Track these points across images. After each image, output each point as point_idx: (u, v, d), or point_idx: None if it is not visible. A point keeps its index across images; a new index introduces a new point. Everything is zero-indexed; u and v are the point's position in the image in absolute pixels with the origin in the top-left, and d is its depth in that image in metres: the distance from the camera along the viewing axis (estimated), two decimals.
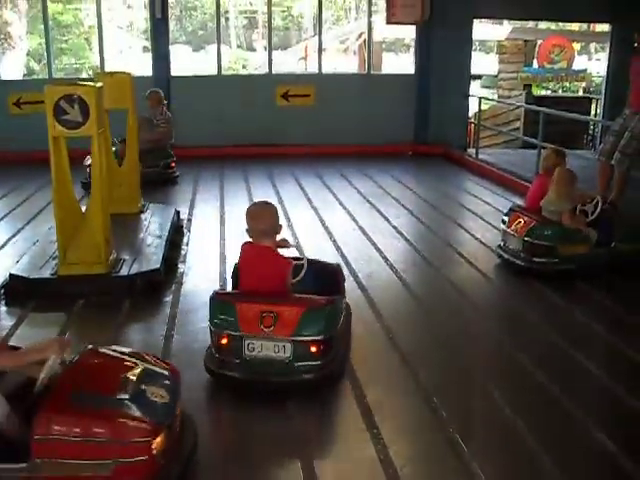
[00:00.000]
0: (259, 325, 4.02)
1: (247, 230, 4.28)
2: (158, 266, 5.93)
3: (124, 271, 5.83)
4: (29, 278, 5.75)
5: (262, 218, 4.22)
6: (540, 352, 4.79)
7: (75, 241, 5.77)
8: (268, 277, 4.19)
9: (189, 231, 7.75)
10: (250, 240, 4.31)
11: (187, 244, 7.24)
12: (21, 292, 5.69)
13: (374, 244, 7.29)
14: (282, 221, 7.74)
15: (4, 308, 5.59)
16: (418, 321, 5.55)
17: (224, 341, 4.13)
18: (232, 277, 4.65)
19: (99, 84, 5.85)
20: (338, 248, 7.16)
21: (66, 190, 5.79)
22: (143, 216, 7.50)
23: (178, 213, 7.84)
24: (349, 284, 5.96)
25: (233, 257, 6.68)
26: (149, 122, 10.11)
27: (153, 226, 7.10)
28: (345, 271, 6.38)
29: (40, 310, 5.55)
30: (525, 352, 4.74)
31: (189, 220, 8.19)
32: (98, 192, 5.74)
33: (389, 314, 5.42)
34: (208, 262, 6.67)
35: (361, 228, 7.94)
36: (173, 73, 12.93)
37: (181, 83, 12.90)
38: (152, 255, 6.20)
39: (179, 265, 6.53)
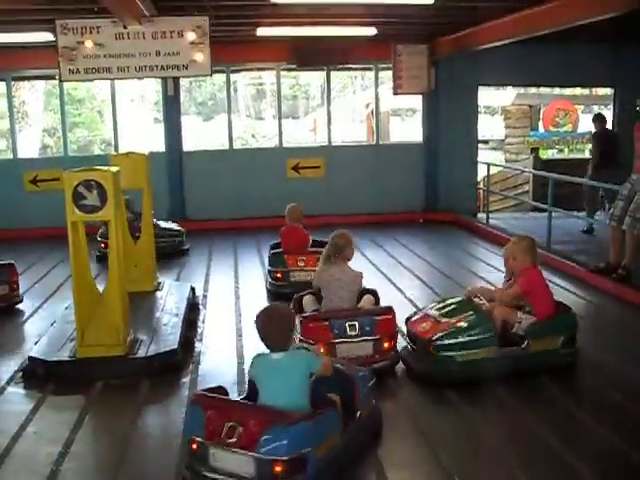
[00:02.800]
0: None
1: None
2: (175, 346, 5.96)
3: (142, 352, 5.86)
4: (48, 361, 5.78)
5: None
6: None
7: (93, 323, 5.81)
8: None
9: (205, 308, 7.80)
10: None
11: (203, 321, 7.28)
12: (40, 375, 5.72)
13: None
14: None
15: (22, 391, 5.62)
16: None
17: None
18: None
19: (116, 168, 5.96)
20: None
21: (84, 273, 5.88)
22: (159, 294, 7.55)
23: (194, 290, 7.90)
24: None
25: (250, 333, 6.78)
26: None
27: (169, 304, 7.15)
28: None
29: (59, 393, 5.58)
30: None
31: (205, 296, 8.25)
32: (116, 274, 5.82)
33: (408, 393, 5.38)
34: (225, 339, 6.70)
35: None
36: (185, 148, 13.19)
37: (193, 157, 13.15)
38: (169, 335, 6.24)
39: (196, 344, 6.56)
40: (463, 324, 5.40)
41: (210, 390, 4.08)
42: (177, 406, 5.22)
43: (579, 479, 4.11)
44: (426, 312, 5.75)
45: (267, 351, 4.02)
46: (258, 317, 4.02)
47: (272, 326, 3.97)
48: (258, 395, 3.98)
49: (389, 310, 5.68)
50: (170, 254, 10.24)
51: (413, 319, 5.79)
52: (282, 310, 4.16)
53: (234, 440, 3.61)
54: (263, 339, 4.01)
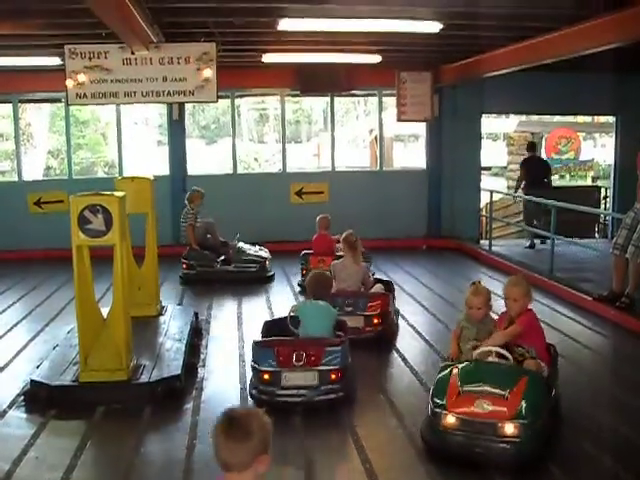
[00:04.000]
0: None
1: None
2: (179, 372, 5.94)
3: (145, 378, 5.84)
4: (50, 385, 5.76)
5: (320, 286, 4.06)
6: None
7: (96, 347, 5.81)
8: None
9: (208, 333, 7.80)
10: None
11: (206, 347, 7.27)
12: (42, 399, 5.70)
13: (393, 344, 7.32)
14: None
15: (24, 415, 5.61)
16: None
17: None
18: None
19: (121, 193, 5.98)
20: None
21: (88, 297, 5.89)
22: (162, 319, 7.55)
23: (197, 315, 7.90)
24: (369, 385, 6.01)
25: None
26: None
27: (172, 329, 7.14)
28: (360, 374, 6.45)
29: (61, 418, 5.56)
30: None
31: (208, 322, 8.25)
32: (120, 299, 5.83)
33: (412, 419, 5.34)
34: (228, 365, 6.70)
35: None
36: (189, 172, 13.24)
37: (198, 182, 13.15)
38: (172, 360, 6.22)
39: (199, 369, 6.55)
40: (529, 391, 4.64)
41: None
42: (180, 433, 5.20)
43: None
44: (462, 389, 4.69)
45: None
46: (310, 277, 6.22)
47: (319, 285, 6.12)
48: (300, 328, 5.92)
49: (381, 296, 7.41)
50: (252, 281, 10.28)
51: (451, 401, 4.65)
52: (326, 276, 6.35)
53: (302, 363, 5.41)
54: (312, 294, 6.10)
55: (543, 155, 19.09)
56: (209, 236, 10.84)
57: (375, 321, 7.18)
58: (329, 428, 5.41)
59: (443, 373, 4.98)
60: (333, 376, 5.47)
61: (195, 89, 9.15)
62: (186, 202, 10.87)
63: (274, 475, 2.78)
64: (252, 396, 5.62)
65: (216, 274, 10.35)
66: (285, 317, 6.20)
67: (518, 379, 4.72)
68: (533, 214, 13.30)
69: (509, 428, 4.43)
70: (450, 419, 4.56)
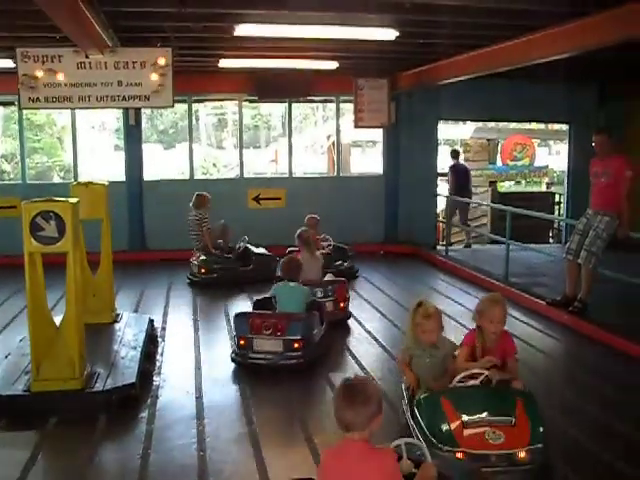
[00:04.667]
0: None
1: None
2: (133, 380, 5.87)
3: (99, 386, 5.76)
4: (1, 394, 5.64)
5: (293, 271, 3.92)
6: None
7: (49, 356, 5.71)
8: None
9: (163, 340, 7.73)
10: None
11: (162, 354, 7.21)
12: None
13: (349, 350, 7.35)
14: None
15: None
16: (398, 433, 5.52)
17: None
18: None
19: (74, 199, 5.90)
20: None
21: (40, 305, 5.78)
22: (117, 326, 7.45)
23: (152, 322, 7.82)
24: (326, 394, 6.02)
25: (208, 367, 6.76)
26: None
27: (127, 337, 7.06)
28: (321, 381, 6.47)
29: (11, 429, 5.46)
30: None
31: (163, 328, 8.18)
32: (73, 306, 5.74)
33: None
34: (183, 373, 6.65)
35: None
36: (146, 177, 13.12)
37: (154, 187, 13.09)
38: (127, 368, 6.14)
39: (154, 377, 6.49)
40: (532, 414, 4.50)
41: None
42: (135, 442, 5.14)
43: None
44: (468, 420, 4.43)
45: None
46: (283, 262, 7.41)
47: (291, 269, 7.23)
48: (277, 305, 7.03)
49: (341, 282, 8.47)
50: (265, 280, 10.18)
51: (461, 438, 4.33)
52: (297, 260, 7.49)
53: (270, 332, 6.52)
54: (285, 276, 7.19)
55: (499, 161, 19.41)
56: (220, 241, 11.04)
57: (342, 305, 8.34)
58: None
59: (429, 404, 4.62)
60: (296, 345, 6.55)
61: (151, 94, 9.06)
62: (192, 208, 10.96)
63: None
64: (233, 359, 6.80)
65: (236, 276, 10.54)
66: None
67: (515, 402, 4.54)
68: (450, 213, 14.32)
69: (527, 455, 4.23)
70: (459, 455, 4.23)
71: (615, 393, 6.22)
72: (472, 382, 4.75)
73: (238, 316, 6.88)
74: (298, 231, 8.99)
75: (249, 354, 6.67)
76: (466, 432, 4.34)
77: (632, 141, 13.71)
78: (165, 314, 8.90)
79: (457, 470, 4.00)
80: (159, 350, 7.35)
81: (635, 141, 13.80)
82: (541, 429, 4.40)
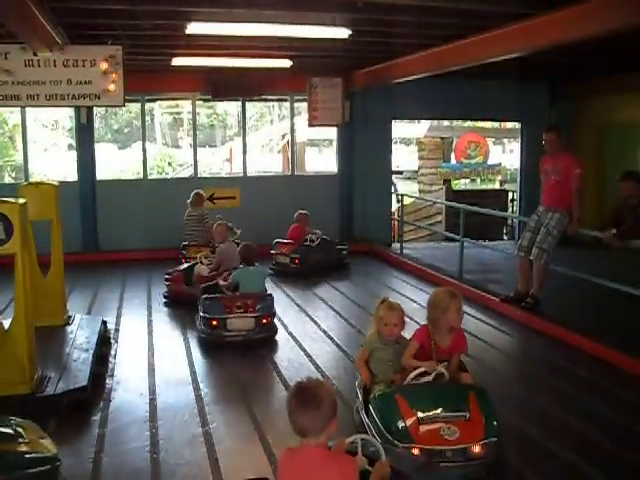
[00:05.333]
0: None
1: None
2: (85, 383, 5.77)
3: (50, 390, 5.64)
4: None
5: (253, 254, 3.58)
6: None
7: None
8: None
9: (117, 342, 7.64)
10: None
11: (115, 356, 7.12)
12: None
13: (304, 350, 7.33)
14: None
15: None
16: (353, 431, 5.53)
17: None
18: None
19: (23, 200, 5.78)
20: (268, 355, 7.23)
21: None
22: (69, 328, 7.31)
23: (105, 323, 7.72)
24: (279, 394, 6.00)
25: (162, 369, 6.70)
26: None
27: (80, 339, 6.93)
28: (275, 380, 6.46)
29: None
30: None
31: (116, 330, 8.08)
32: (22, 309, 5.62)
33: None
34: (137, 375, 6.58)
35: (290, 333, 7.98)
36: (99, 177, 12.95)
37: (107, 187, 12.93)
38: (78, 371, 6.04)
39: (107, 380, 6.41)
40: (484, 407, 4.55)
41: None
42: (86, 445, 5.07)
43: None
44: (423, 416, 4.44)
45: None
46: (241, 249, 7.99)
47: (249, 254, 7.90)
48: (240, 289, 7.63)
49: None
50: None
51: (417, 434, 4.35)
52: (253, 246, 8.07)
53: (242, 311, 7.28)
54: (244, 261, 7.90)
55: (453, 160, 19.61)
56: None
57: (264, 321, 8.21)
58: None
59: (384, 402, 4.60)
60: (264, 320, 7.44)
61: (101, 93, 8.94)
62: (190, 206, 11.17)
63: None
64: (203, 339, 7.45)
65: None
66: (215, 282, 8.01)
67: (468, 397, 4.57)
68: None
69: (482, 449, 4.28)
70: (415, 452, 4.23)
71: (566, 387, 6.32)
72: (425, 379, 4.77)
73: (208, 300, 7.50)
74: (215, 224, 9.51)
75: (223, 333, 7.35)
76: (422, 428, 4.36)
77: (581, 139, 14.01)
78: (119, 316, 8.79)
79: (412, 466, 3.99)
80: (112, 352, 7.26)
81: (584, 139, 14.09)
82: (495, 423, 4.45)
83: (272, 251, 11.43)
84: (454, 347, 4.99)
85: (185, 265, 9.67)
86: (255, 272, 7.89)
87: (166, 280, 9.50)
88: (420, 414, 4.43)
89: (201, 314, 7.51)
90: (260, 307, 7.45)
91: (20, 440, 3.98)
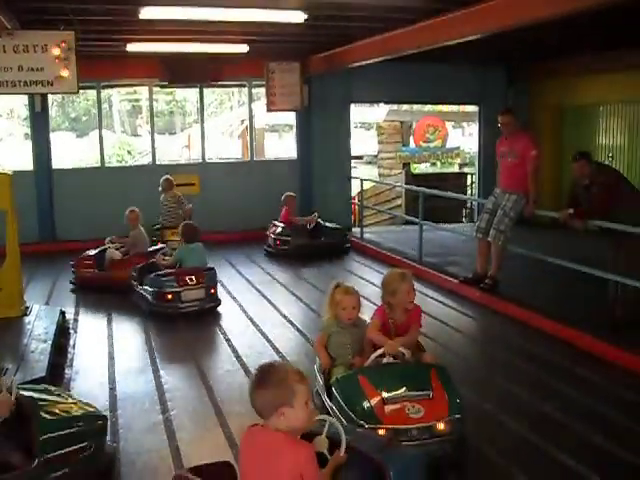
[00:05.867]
0: None
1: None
2: (44, 374, 5.69)
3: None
4: None
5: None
6: None
7: None
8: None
9: (76, 332, 7.56)
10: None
11: (74, 346, 7.05)
12: None
13: (265, 335, 7.33)
14: None
15: None
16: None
17: None
18: None
19: None
20: (228, 341, 7.20)
21: None
22: (27, 319, 7.22)
23: (64, 314, 7.63)
24: (240, 379, 6.00)
25: (122, 358, 6.65)
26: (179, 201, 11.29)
27: (37, 330, 6.85)
28: (236, 365, 6.45)
29: None
30: None
31: (75, 320, 7.99)
32: None
33: None
34: (96, 365, 6.53)
35: (251, 319, 7.99)
36: (55, 165, 12.76)
37: (64, 176, 12.74)
38: (37, 362, 5.96)
39: (66, 370, 6.35)
40: (446, 385, 4.61)
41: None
42: None
43: None
44: (387, 396, 4.45)
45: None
46: (182, 228, 8.65)
47: (190, 232, 8.51)
48: (183, 265, 8.33)
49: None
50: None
51: (383, 414, 4.35)
52: (194, 225, 8.73)
53: (194, 283, 8.02)
54: (186, 240, 8.47)
55: (412, 143, 19.70)
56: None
57: (212, 291, 8.67)
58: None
59: (347, 384, 4.60)
60: (212, 291, 8.26)
61: (54, 79, 8.76)
62: (164, 192, 11.23)
63: None
64: (152, 312, 8.01)
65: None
66: (153, 261, 8.65)
67: (430, 376, 4.62)
68: None
69: (446, 426, 4.31)
70: (380, 432, 4.19)
71: (525, 365, 6.41)
72: (386, 359, 4.81)
73: (160, 275, 8.16)
74: (127, 211, 9.74)
75: (179, 305, 7.97)
76: (387, 408, 4.38)
77: (538, 121, 14.17)
78: (77, 305, 8.70)
79: (374, 446, 3.96)
80: (71, 342, 7.19)
81: (541, 121, 14.26)
82: (458, 400, 4.50)
83: (267, 232, 11.90)
84: (410, 323, 5.08)
85: (94, 251, 9.78)
86: (197, 249, 8.52)
87: (72, 266, 9.69)
88: (384, 394, 4.44)
89: (155, 289, 8.05)
90: (207, 279, 8.21)
91: (70, 401, 4.55)
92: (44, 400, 4.36)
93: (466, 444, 4.51)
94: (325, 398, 4.87)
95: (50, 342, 6.48)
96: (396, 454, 3.52)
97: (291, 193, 12.03)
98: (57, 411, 4.26)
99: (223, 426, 5.11)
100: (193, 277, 8.05)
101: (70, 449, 4.03)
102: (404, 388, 4.49)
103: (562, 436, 4.91)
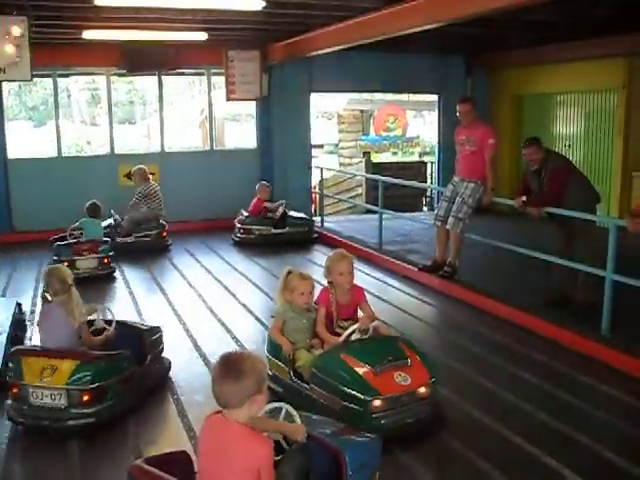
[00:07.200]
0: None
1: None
2: None
3: None
4: None
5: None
6: None
7: None
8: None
9: (32, 324, 7.41)
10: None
11: (30, 339, 6.92)
12: None
13: (223, 324, 7.31)
14: (128, 305, 7.75)
15: None
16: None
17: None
18: None
19: None
20: (187, 330, 7.15)
21: None
22: None
23: (20, 305, 7.49)
24: (199, 369, 5.98)
25: None
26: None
27: None
28: (194, 354, 6.42)
29: None
30: None
31: (32, 312, 7.85)
32: None
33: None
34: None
35: (210, 308, 7.95)
36: (10, 155, 12.52)
37: (20, 166, 12.52)
38: None
39: None
40: (418, 353, 5.01)
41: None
42: (1, 431, 4.93)
43: None
44: (377, 369, 4.68)
45: None
46: (88, 207, 9.83)
47: (93, 210, 9.88)
48: (84, 234, 9.75)
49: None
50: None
51: (379, 384, 4.61)
52: (98, 204, 10.00)
53: (87, 252, 9.33)
54: (89, 215, 9.73)
55: (372, 132, 19.75)
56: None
57: (105, 261, 9.61)
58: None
59: (332, 363, 4.79)
60: (105, 260, 9.41)
61: (6, 66, 8.60)
62: (147, 181, 11.32)
63: None
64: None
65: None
66: (65, 235, 9.80)
67: (399, 345, 5.01)
68: None
69: (427, 390, 4.74)
70: (377, 402, 4.52)
71: (482, 351, 6.50)
72: (355, 336, 5.07)
73: (60, 246, 9.45)
74: None
75: (73, 272, 7.83)
76: (379, 379, 4.63)
77: (498, 110, 14.32)
78: (34, 297, 8.54)
79: (330, 431, 3.97)
80: (27, 335, 7.06)
81: (501, 110, 14.41)
82: (433, 365, 4.97)
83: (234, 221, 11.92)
84: (354, 301, 5.40)
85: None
86: (96, 223, 9.91)
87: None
88: (373, 367, 4.68)
89: (54, 258, 9.25)
90: (101, 250, 9.41)
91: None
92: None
93: (440, 405, 4.98)
94: (296, 382, 5.02)
95: (5, 334, 6.35)
96: (352, 440, 3.55)
97: (264, 182, 12.10)
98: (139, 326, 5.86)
99: (181, 416, 5.08)
100: (87, 247, 9.33)
101: (157, 349, 5.75)
102: (385, 359, 4.78)
103: (511, 416, 5.09)
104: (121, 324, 5.60)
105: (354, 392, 4.54)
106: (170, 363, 5.93)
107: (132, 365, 5.18)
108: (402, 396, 4.62)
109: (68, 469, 4.40)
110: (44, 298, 5.28)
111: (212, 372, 2.95)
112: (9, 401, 4.98)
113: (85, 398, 4.76)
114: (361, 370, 4.67)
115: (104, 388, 4.85)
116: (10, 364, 5.08)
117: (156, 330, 5.84)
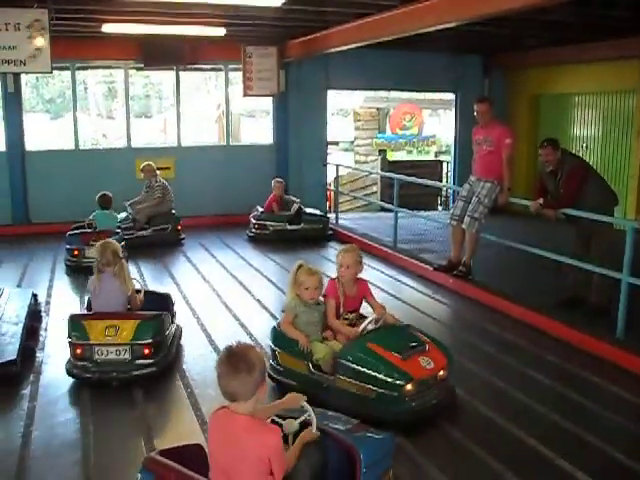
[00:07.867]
0: None
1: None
2: (14, 357, 5.66)
3: None
4: None
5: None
6: None
7: None
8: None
9: (48, 315, 7.49)
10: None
11: (46, 329, 6.99)
12: None
13: (238, 319, 7.34)
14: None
15: None
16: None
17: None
18: None
19: None
20: (201, 325, 7.19)
21: None
22: None
23: (36, 296, 7.54)
24: (213, 363, 5.98)
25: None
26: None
27: (8, 312, 6.76)
28: (209, 348, 6.45)
29: None
30: None
31: (47, 303, 7.92)
32: None
33: None
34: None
35: (224, 303, 7.98)
36: (28, 147, 12.60)
37: (37, 158, 12.60)
38: (7, 345, 5.90)
39: (37, 353, 6.30)
40: (434, 338, 5.36)
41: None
42: (15, 420, 4.98)
43: None
44: (400, 356, 4.88)
45: None
46: (99, 198, 10.03)
47: (104, 201, 10.02)
48: (97, 225, 9.97)
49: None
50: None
51: (411, 369, 4.82)
52: (109, 196, 10.13)
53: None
54: (100, 206, 9.91)
55: (388, 130, 19.71)
56: None
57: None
58: None
59: (360, 353, 4.91)
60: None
61: (27, 59, 8.64)
62: (153, 176, 11.37)
63: None
64: (66, 265, 9.58)
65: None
66: (83, 224, 9.98)
67: (412, 332, 5.28)
68: None
69: (445, 372, 5.04)
70: (410, 386, 4.75)
71: (495, 351, 6.49)
72: (371, 326, 5.25)
73: (72, 235, 9.67)
74: None
75: (82, 261, 9.09)
76: (408, 364, 4.84)
77: (516, 110, 14.27)
78: (50, 288, 8.63)
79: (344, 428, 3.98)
80: (43, 325, 7.12)
81: (518, 110, 14.36)
82: (446, 349, 5.22)
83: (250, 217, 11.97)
84: (360, 293, 5.52)
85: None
86: (108, 214, 10.08)
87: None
88: (400, 354, 4.88)
89: (66, 247, 9.61)
90: (114, 238, 9.07)
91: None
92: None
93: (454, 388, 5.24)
94: (316, 373, 5.09)
95: (21, 325, 6.41)
96: (366, 437, 3.56)
97: (279, 178, 12.08)
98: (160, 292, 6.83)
99: (195, 408, 5.12)
100: (96, 237, 8.82)
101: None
102: (408, 345, 5.02)
103: (523, 416, 5.10)
104: (147, 292, 6.52)
105: (389, 379, 4.74)
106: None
107: (172, 323, 6.25)
108: (429, 379, 4.89)
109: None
110: (98, 269, 5.81)
111: (218, 368, 2.93)
112: (71, 361, 5.64)
113: (146, 351, 5.56)
114: (391, 357, 4.86)
115: (160, 342, 5.68)
116: (72, 329, 5.64)
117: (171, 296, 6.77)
